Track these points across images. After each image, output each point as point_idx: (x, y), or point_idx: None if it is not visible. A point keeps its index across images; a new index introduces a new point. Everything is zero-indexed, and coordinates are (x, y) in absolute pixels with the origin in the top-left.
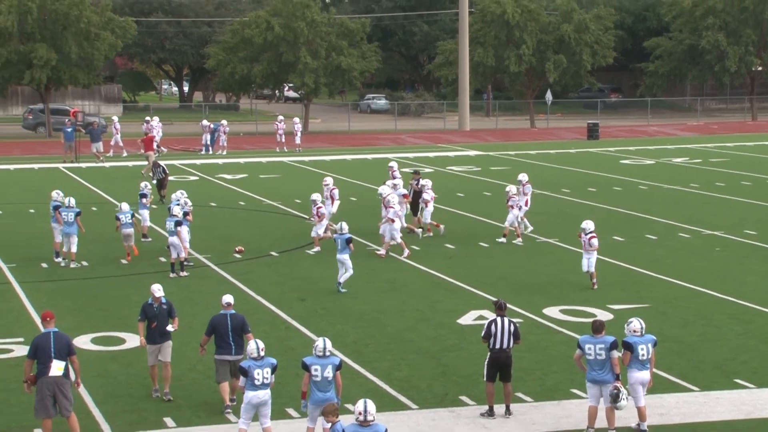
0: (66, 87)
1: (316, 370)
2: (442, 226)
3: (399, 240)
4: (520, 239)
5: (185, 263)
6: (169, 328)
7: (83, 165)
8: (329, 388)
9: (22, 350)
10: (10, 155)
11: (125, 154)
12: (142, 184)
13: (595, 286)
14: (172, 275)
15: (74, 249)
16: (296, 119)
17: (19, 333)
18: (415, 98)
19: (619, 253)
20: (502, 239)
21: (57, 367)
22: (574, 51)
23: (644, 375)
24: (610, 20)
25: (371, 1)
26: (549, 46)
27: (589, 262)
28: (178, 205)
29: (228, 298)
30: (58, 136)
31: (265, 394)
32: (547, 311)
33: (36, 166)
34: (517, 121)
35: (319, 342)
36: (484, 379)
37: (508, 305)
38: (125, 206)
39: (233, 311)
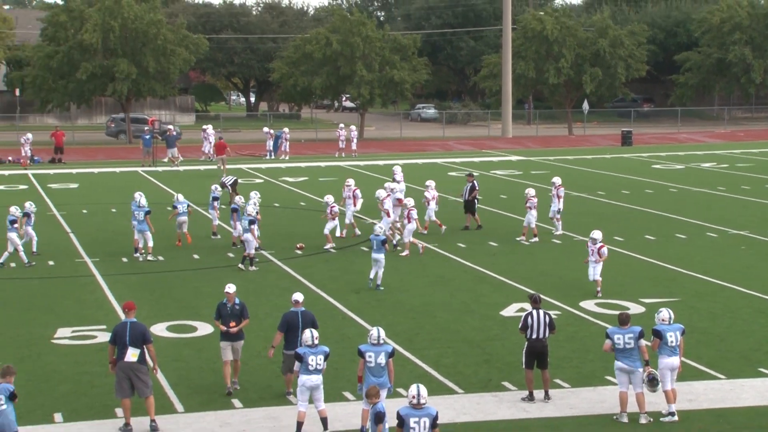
0: (145, 98)
1: (370, 356)
2: (443, 227)
3: (391, 238)
4: (536, 237)
5: (254, 259)
6: (232, 329)
7: (160, 169)
8: (383, 374)
9: (104, 336)
10: (95, 160)
11: (181, 159)
12: (213, 186)
13: (599, 294)
14: (240, 266)
15: (150, 243)
16: (353, 127)
17: (102, 321)
18: (461, 108)
19: (651, 250)
20: (535, 239)
21: (131, 354)
22: (609, 64)
23: (674, 361)
24: (643, 36)
25: (422, 19)
26: (586, 59)
27: (595, 270)
28: (251, 204)
29: (297, 296)
30: (138, 142)
31: (317, 379)
32: (583, 304)
33: (117, 169)
34: (556, 128)
35: (374, 331)
36: (523, 366)
37: (548, 299)
38: (181, 197)
39: (303, 308)
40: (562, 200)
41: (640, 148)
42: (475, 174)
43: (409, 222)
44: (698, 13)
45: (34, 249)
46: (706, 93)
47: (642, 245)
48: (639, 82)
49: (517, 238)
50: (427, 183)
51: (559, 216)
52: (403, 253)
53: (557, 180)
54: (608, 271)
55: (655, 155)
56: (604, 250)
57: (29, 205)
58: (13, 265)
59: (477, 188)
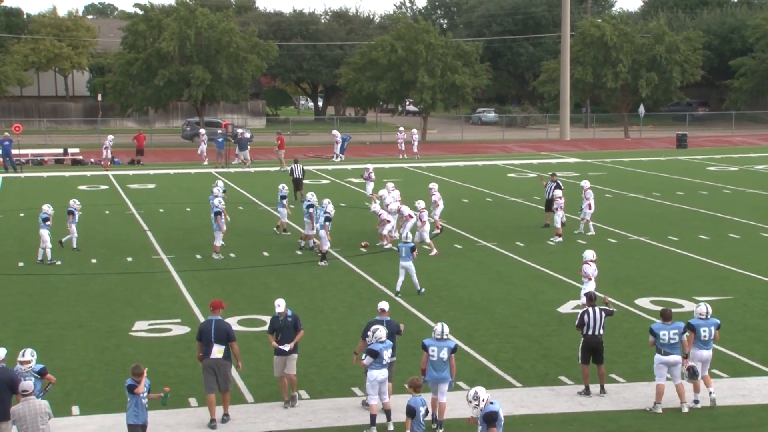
0: (218, 102)
1: (433, 351)
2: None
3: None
4: (560, 239)
5: (325, 255)
6: (285, 347)
7: (232, 170)
8: (444, 368)
9: (179, 330)
10: (171, 161)
11: (206, 163)
12: (280, 186)
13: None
14: (321, 263)
15: (216, 243)
16: (414, 130)
17: (177, 315)
18: (521, 111)
19: (705, 250)
20: (559, 239)
21: (217, 351)
22: (665, 69)
23: (703, 353)
24: (698, 42)
25: (483, 26)
26: (642, 64)
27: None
28: (330, 204)
29: (383, 305)
30: (211, 144)
31: (386, 372)
32: (638, 302)
33: (192, 171)
34: (613, 131)
35: (438, 326)
36: (579, 362)
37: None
38: (220, 183)
39: (389, 318)
40: (590, 202)
41: (695, 150)
42: (530, 176)
43: (422, 223)
44: (753, 19)
45: (74, 245)
46: (761, 97)
47: (696, 245)
48: (694, 86)
49: (551, 240)
50: (431, 186)
51: (588, 218)
52: (432, 253)
53: (585, 183)
54: (663, 269)
55: (710, 157)
56: (586, 267)
57: (73, 203)
58: (93, 261)
59: (562, 188)
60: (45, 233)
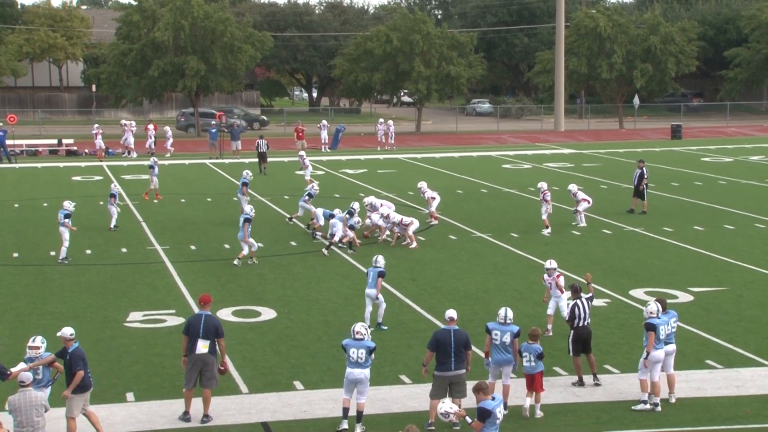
0: (213, 93)
1: (496, 334)
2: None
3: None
4: (548, 230)
5: (335, 245)
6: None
7: (226, 161)
8: (507, 352)
9: (174, 320)
10: (166, 152)
11: (135, 156)
12: (314, 183)
13: (549, 333)
14: (324, 251)
15: (245, 251)
16: (390, 121)
17: (171, 306)
18: (515, 102)
19: (700, 241)
20: (547, 230)
21: (202, 346)
22: (660, 60)
23: (660, 353)
24: (693, 32)
25: (478, 17)
26: (637, 55)
27: (559, 305)
28: (356, 203)
29: (451, 313)
30: (205, 135)
31: (360, 373)
32: (633, 292)
33: (186, 161)
34: (607, 122)
35: (502, 311)
36: (571, 354)
37: (598, 287)
38: (154, 159)
39: (456, 327)
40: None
41: (690, 141)
42: (524, 167)
43: (408, 224)
44: (748, 10)
45: (113, 225)
46: (755, 88)
47: (691, 236)
48: (689, 77)
49: (543, 232)
50: (419, 186)
51: (581, 209)
52: (412, 245)
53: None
54: (658, 260)
55: (704, 148)
56: (561, 279)
57: (114, 186)
58: (88, 252)
59: (646, 176)
60: (64, 230)
